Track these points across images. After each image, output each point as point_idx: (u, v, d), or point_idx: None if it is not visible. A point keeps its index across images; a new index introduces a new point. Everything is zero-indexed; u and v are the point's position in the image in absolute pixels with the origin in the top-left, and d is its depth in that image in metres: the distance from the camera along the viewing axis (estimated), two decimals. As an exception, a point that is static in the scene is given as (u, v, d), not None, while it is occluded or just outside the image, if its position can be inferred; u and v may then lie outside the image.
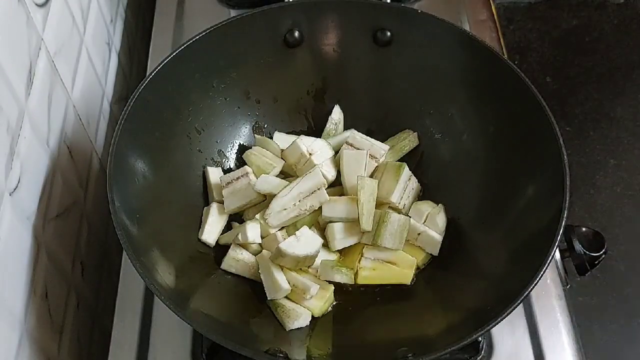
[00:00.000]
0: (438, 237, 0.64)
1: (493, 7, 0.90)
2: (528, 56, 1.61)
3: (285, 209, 0.62)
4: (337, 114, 0.73)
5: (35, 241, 0.57)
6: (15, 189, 0.53)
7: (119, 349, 0.63)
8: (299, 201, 0.63)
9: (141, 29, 1.00)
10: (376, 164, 0.68)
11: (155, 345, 0.63)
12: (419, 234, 0.64)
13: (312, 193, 0.63)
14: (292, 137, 0.70)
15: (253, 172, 0.66)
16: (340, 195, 0.65)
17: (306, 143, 0.68)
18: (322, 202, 0.63)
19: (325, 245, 0.64)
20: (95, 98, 0.78)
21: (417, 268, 0.64)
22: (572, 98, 1.56)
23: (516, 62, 1.29)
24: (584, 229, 0.66)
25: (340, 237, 0.63)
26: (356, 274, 0.62)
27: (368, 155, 0.66)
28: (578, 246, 0.66)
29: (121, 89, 0.87)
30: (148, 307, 0.65)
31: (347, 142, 0.68)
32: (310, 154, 0.67)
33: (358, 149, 0.67)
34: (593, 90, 1.58)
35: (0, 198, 0.51)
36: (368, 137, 0.69)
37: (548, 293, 0.66)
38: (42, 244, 0.58)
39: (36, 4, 0.60)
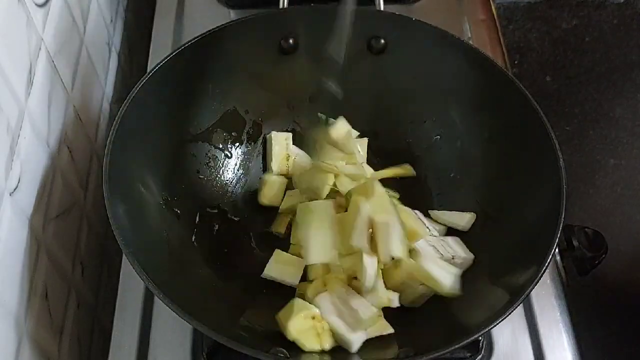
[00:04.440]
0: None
1: (493, 7, 0.89)
2: (528, 56, 1.61)
3: None
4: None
5: (35, 241, 0.57)
6: (15, 189, 0.53)
7: (119, 349, 0.62)
8: None
9: (141, 29, 1.00)
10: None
11: (155, 345, 0.63)
12: None
13: None
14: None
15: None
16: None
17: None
18: None
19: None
20: (95, 98, 0.78)
21: None
22: (571, 98, 1.55)
23: (516, 62, 1.29)
24: (584, 229, 0.67)
25: None
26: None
27: None
28: (578, 246, 0.66)
29: (121, 89, 0.87)
30: (148, 307, 0.65)
31: None
32: None
33: None
34: (593, 90, 1.57)
35: (0, 198, 0.51)
36: None
37: (548, 293, 0.66)
38: (42, 244, 0.58)
39: (36, 4, 0.60)
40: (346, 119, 0.71)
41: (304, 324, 0.56)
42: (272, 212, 0.70)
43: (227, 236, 0.67)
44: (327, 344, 0.56)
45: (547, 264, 0.52)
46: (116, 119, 0.59)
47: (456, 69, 0.68)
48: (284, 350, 0.54)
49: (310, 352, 0.56)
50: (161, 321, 0.64)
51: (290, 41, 0.71)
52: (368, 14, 0.71)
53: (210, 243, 0.66)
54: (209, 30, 0.67)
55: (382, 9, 0.80)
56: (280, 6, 0.81)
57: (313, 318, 0.57)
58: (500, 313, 0.51)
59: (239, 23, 0.68)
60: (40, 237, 0.58)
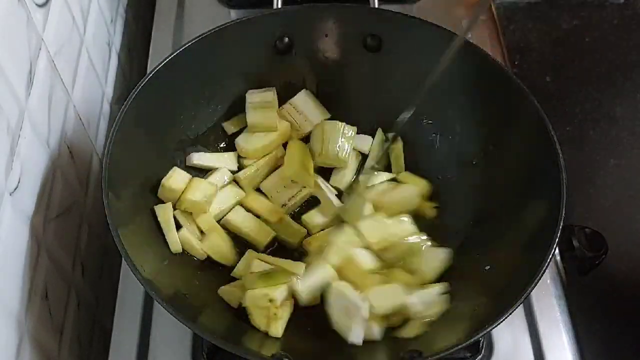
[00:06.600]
0: None
1: (493, 7, 0.90)
2: (528, 56, 1.60)
3: None
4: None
5: (35, 241, 0.57)
6: (15, 189, 0.53)
7: (119, 349, 0.63)
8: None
9: (141, 29, 1.00)
10: None
11: (155, 345, 0.63)
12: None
13: None
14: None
15: None
16: None
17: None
18: None
19: None
20: (95, 98, 0.78)
21: None
22: (572, 98, 1.55)
23: (516, 62, 1.29)
24: (584, 229, 0.67)
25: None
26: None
27: None
28: (578, 246, 0.66)
29: (121, 89, 0.87)
30: (148, 307, 0.65)
31: None
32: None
33: None
34: (593, 90, 1.57)
35: (0, 198, 0.51)
36: None
37: (548, 293, 0.66)
38: (42, 244, 0.58)
39: (36, 4, 0.60)
40: (343, 118, 0.70)
41: (259, 301, 0.57)
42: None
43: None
44: (275, 332, 0.57)
45: (547, 264, 0.52)
46: (116, 119, 0.59)
47: (454, 66, 0.68)
48: (288, 355, 0.54)
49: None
50: (161, 321, 0.64)
51: (286, 41, 0.71)
52: (362, 12, 0.71)
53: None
54: (209, 31, 0.67)
55: (376, 6, 0.80)
56: (275, 6, 0.81)
57: (270, 301, 0.57)
58: (500, 313, 0.51)
59: (236, 23, 0.68)
60: (41, 237, 0.58)
